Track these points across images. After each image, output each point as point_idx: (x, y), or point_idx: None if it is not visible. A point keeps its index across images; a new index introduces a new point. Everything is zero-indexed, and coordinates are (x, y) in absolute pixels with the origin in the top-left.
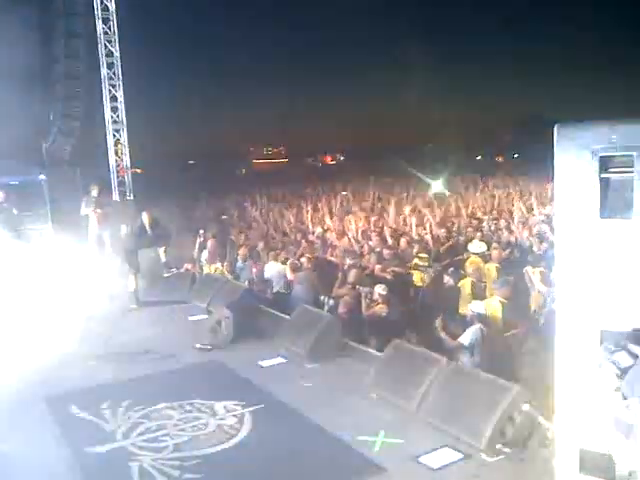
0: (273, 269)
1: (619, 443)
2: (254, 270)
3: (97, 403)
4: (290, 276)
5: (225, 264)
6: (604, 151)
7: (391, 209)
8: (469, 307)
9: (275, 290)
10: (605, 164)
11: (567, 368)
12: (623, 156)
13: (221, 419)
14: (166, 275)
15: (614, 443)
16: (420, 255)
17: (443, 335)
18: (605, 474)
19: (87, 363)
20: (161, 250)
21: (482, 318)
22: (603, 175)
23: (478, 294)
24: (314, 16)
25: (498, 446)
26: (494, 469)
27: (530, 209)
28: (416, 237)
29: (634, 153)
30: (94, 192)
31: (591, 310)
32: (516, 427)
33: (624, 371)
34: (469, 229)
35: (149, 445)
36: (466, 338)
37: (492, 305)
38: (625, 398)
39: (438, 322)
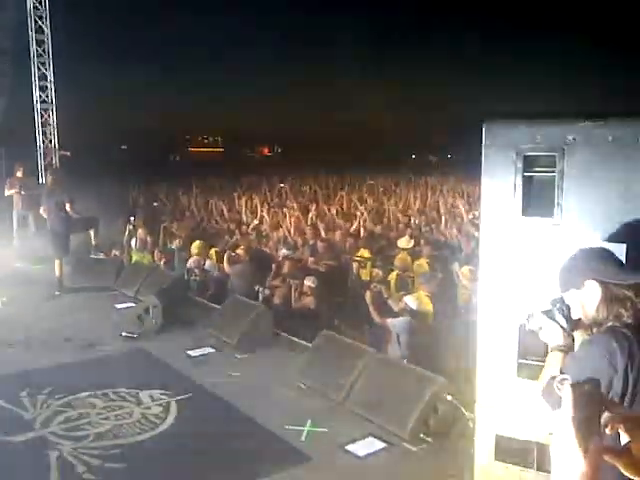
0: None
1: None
2: (192, 260)
3: (15, 390)
4: (227, 268)
5: (155, 252)
6: (529, 150)
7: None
8: (404, 300)
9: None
10: (530, 163)
11: (487, 359)
12: (547, 156)
13: (146, 408)
14: (93, 257)
15: (531, 428)
16: (360, 252)
17: (372, 309)
18: (520, 460)
19: (5, 349)
20: (91, 232)
21: (413, 313)
22: (527, 174)
23: (403, 287)
24: None
25: (421, 436)
26: (417, 458)
27: (458, 208)
28: (352, 231)
29: (557, 153)
30: (19, 173)
31: (511, 305)
32: (439, 417)
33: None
34: (399, 225)
35: (69, 434)
36: (394, 323)
37: (421, 299)
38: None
39: (368, 296)
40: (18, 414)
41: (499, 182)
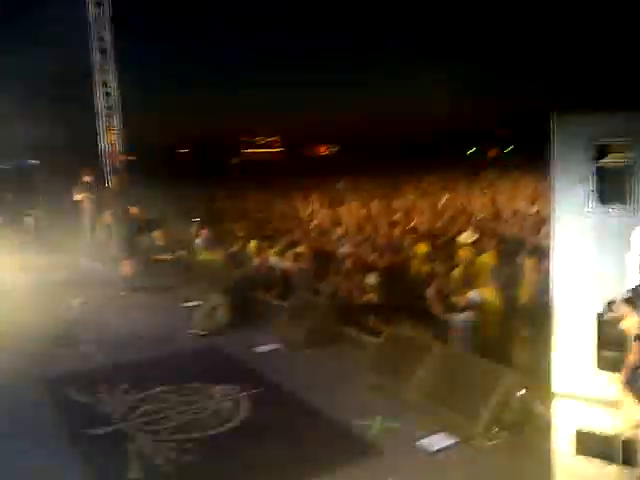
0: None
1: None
2: (257, 259)
3: (94, 386)
4: (291, 266)
5: (219, 251)
6: (601, 139)
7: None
8: (468, 296)
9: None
10: (602, 152)
11: (565, 350)
12: (619, 144)
13: (218, 403)
14: (160, 257)
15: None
16: (418, 246)
17: (434, 305)
18: (604, 454)
19: (82, 347)
20: (156, 234)
21: (478, 307)
22: (599, 164)
23: (467, 283)
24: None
25: (494, 431)
26: (490, 453)
27: (520, 202)
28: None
29: (629, 140)
30: (87, 177)
31: (588, 295)
32: (512, 412)
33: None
34: (461, 220)
35: (147, 428)
36: (458, 319)
37: (488, 294)
38: None
39: (430, 291)
40: (97, 409)
41: (571, 172)
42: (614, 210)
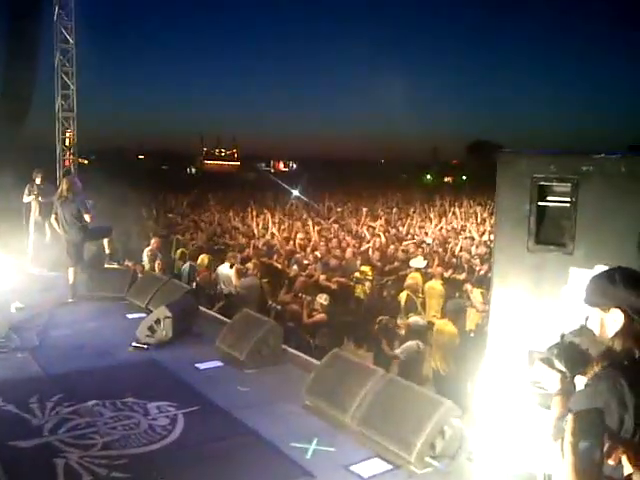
0: (223, 272)
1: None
2: (206, 273)
3: (25, 396)
4: (235, 281)
5: (158, 262)
6: (543, 180)
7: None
8: (410, 320)
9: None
10: (543, 192)
11: (494, 383)
12: (560, 186)
13: (153, 419)
14: (107, 266)
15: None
16: (362, 269)
17: (383, 343)
18: None
19: (17, 354)
20: (105, 241)
21: (421, 333)
22: (541, 203)
23: (412, 308)
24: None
25: (427, 459)
26: None
27: (470, 232)
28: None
29: (570, 184)
30: (38, 179)
31: (521, 331)
32: (446, 441)
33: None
34: (411, 245)
35: (77, 442)
36: (402, 352)
37: (446, 327)
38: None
39: (377, 329)
40: (27, 420)
41: (513, 210)
42: (553, 249)
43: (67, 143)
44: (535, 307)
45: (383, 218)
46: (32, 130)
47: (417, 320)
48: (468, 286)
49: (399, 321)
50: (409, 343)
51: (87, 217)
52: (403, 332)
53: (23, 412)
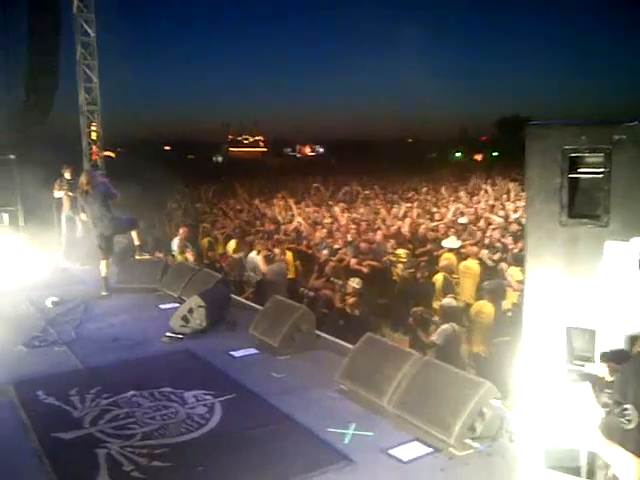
0: (252, 259)
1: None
2: (235, 260)
3: (65, 389)
4: (263, 267)
5: (190, 252)
6: (574, 151)
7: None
8: (443, 302)
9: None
10: (574, 164)
11: (533, 362)
12: (592, 156)
13: (191, 408)
14: (138, 258)
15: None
16: (397, 252)
17: (419, 332)
18: (570, 468)
19: (55, 348)
20: (134, 233)
21: (456, 314)
22: (572, 175)
23: (449, 289)
24: None
25: (467, 441)
26: (462, 463)
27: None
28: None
29: (603, 154)
30: (67, 174)
31: (558, 308)
32: (486, 423)
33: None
34: (443, 225)
35: (117, 432)
36: (439, 337)
37: (485, 308)
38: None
39: (412, 321)
40: (68, 412)
41: (544, 184)
42: (587, 222)
43: (93, 137)
44: (570, 282)
45: (415, 199)
46: (57, 125)
47: (450, 302)
48: (503, 265)
49: (434, 304)
50: (444, 326)
51: (108, 210)
52: (437, 317)
53: (64, 404)
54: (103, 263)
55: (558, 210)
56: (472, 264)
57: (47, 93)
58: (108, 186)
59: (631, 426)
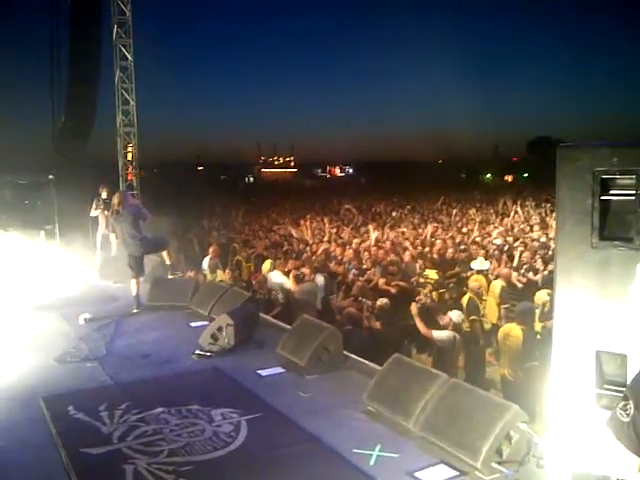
0: (277, 278)
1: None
2: (285, 285)
3: (94, 405)
4: (294, 287)
5: (226, 271)
6: (605, 173)
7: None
8: (448, 315)
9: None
10: (606, 186)
11: (562, 387)
12: (624, 178)
13: (218, 426)
14: (170, 277)
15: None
16: (426, 273)
17: (417, 321)
18: None
19: (86, 364)
20: (164, 254)
21: (458, 328)
22: (604, 197)
23: (473, 311)
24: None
25: (494, 465)
26: None
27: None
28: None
29: (634, 176)
30: (104, 194)
31: (588, 331)
32: (513, 446)
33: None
34: (473, 247)
35: (145, 449)
36: (439, 337)
37: (513, 331)
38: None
39: (414, 307)
40: (97, 427)
41: (575, 206)
42: (618, 245)
43: (129, 157)
44: (601, 305)
45: (444, 220)
46: (95, 146)
47: (458, 314)
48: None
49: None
50: (446, 332)
51: (139, 231)
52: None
53: (93, 420)
54: (133, 282)
55: (589, 232)
56: (495, 285)
57: (85, 120)
58: (140, 207)
59: (626, 419)
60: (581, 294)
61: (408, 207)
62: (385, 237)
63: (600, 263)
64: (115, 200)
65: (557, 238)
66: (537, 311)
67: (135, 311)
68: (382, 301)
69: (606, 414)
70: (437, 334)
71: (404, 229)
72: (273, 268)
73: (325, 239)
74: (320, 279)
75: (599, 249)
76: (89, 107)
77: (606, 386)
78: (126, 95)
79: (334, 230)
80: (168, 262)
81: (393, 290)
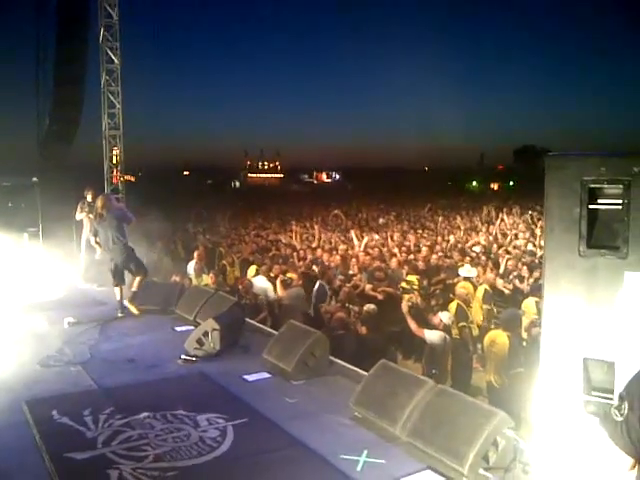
0: (261, 283)
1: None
2: (269, 291)
3: (79, 409)
4: (281, 292)
5: (211, 275)
6: (593, 182)
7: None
8: (438, 315)
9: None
10: (594, 195)
11: (549, 393)
12: (612, 188)
13: (203, 431)
14: (155, 280)
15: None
16: (408, 278)
17: (408, 319)
18: None
19: (70, 368)
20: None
21: (447, 329)
22: (591, 206)
23: (462, 317)
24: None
25: (481, 471)
26: None
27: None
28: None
29: (622, 185)
30: (89, 197)
31: (576, 338)
32: (499, 453)
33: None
34: (457, 254)
35: (130, 454)
36: (430, 337)
37: (499, 338)
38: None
39: (404, 305)
40: (81, 432)
41: (563, 214)
42: (606, 253)
43: (114, 161)
44: (589, 313)
45: (430, 227)
46: (80, 149)
47: (449, 315)
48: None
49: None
50: (438, 332)
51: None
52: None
53: (78, 424)
54: (117, 289)
55: (577, 240)
56: (479, 289)
57: (70, 123)
58: (124, 210)
59: (619, 419)
60: (569, 301)
61: (394, 214)
62: (373, 243)
63: (588, 271)
64: (98, 203)
65: (545, 246)
66: (524, 319)
67: (120, 315)
68: (369, 307)
69: (593, 420)
70: (429, 334)
71: (394, 235)
72: (258, 273)
73: (314, 245)
74: (316, 285)
75: (587, 257)
76: (75, 109)
77: (593, 393)
78: (112, 98)
79: (323, 236)
80: (134, 289)
81: (380, 296)
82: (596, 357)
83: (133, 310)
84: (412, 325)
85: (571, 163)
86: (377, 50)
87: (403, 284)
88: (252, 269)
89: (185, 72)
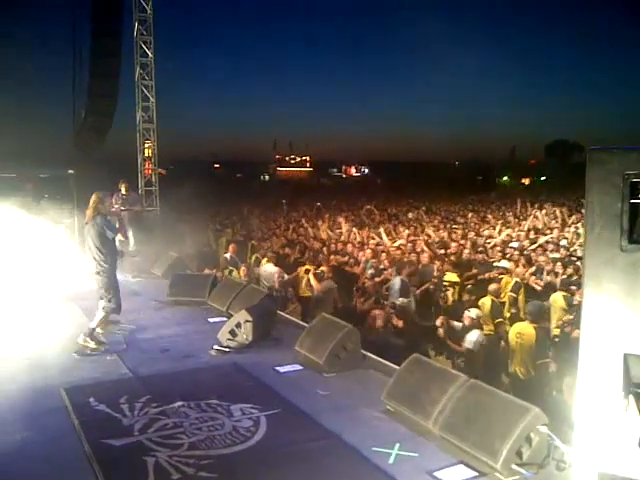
0: (269, 269)
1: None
2: (276, 276)
3: (115, 397)
4: (316, 285)
5: (243, 268)
6: (635, 177)
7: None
8: (466, 314)
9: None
10: (636, 190)
11: (589, 390)
12: None
13: (237, 421)
14: (188, 272)
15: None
16: (447, 277)
17: (449, 343)
18: None
19: (106, 357)
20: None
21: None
22: (633, 200)
23: (496, 314)
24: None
25: (514, 466)
26: None
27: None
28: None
29: None
30: (123, 189)
31: (616, 334)
32: (533, 448)
33: None
34: (492, 250)
35: (165, 441)
36: (470, 343)
37: (526, 329)
38: None
39: (441, 332)
40: (118, 419)
41: (604, 209)
42: None
43: (147, 154)
44: (631, 308)
45: (462, 220)
46: (114, 142)
47: (477, 312)
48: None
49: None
50: (473, 333)
51: (116, 238)
52: (466, 322)
53: (114, 412)
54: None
55: (618, 235)
56: (510, 280)
57: (105, 115)
58: (109, 221)
59: None
60: (610, 296)
61: (423, 208)
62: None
63: (629, 266)
64: (90, 203)
65: (586, 241)
66: (552, 313)
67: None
68: (403, 300)
69: (633, 416)
70: (468, 343)
71: (425, 229)
72: (262, 262)
73: (350, 239)
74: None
75: (628, 252)
76: (109, 103)
77: (633, 389)
78: (146, 92)
79: (356, 230)
80: (93, 325)
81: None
82: (637, 352)
83: (90, 345)
84: (455, 347)
85: (613, 157)
86: (406, 40)
87: (444, 282)
88: (264, 260)
89: (216, 66)
